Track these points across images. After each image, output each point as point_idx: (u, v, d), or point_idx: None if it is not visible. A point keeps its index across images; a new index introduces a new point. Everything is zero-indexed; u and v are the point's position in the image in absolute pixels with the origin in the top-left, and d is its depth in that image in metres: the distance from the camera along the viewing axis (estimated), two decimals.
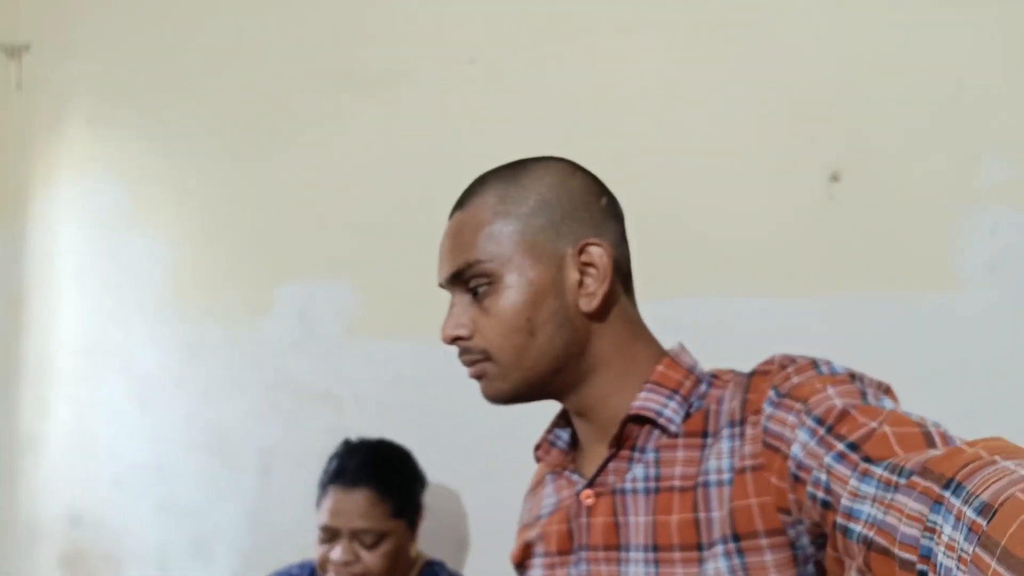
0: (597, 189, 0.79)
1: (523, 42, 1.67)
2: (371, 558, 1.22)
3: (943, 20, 1.31)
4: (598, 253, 0.74)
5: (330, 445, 1.53)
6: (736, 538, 0.65)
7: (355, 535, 1.23)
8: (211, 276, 1.96)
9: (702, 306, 1.49)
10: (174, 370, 1.98)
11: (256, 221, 1.92)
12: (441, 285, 0.79)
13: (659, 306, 1.49)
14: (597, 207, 0.77)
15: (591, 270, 0.74)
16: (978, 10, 1.29)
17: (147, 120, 2.08)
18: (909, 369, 1.29)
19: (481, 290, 0.74)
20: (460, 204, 0.79)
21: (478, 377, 0.77)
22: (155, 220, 2.04)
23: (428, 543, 1.54)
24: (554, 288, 0.74)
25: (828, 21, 1.41)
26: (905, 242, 1.29)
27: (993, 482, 0.41)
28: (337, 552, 1.22)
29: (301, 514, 1.71)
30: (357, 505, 1.24)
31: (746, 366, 1.43)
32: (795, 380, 0.66)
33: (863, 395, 0.62)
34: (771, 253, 1.46)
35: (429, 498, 1.53)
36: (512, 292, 0.73)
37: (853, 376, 0.66)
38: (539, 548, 0.80)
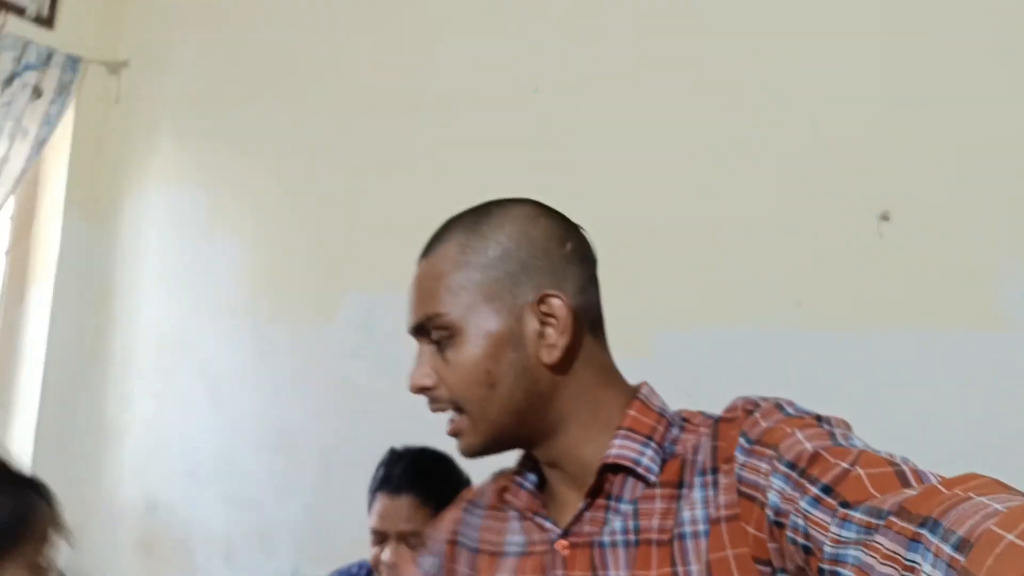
0: (561, 234, 0.76)
1: (584, 74, 1.72)
2: None
3: (996, 61, 1.30)
4: (558, 304, 0.72)
5: (386, 446, 1.61)
6: None
7: (402, 537, 1.28)
8: (282, 281, 2.07)
9: (754, 338, 1.51)
10: (245, 369, 2.09)
11: (326, 231, 2.02)
12: (409, 333, 0.78)
13: (713, 334, 1.54)
14: (559, 254, 0.75)
15: (551, 320, 0.72)
16: None
17: (230, 133, 2.21)
18: (954, 407, 1.29)
19: (443, 342, 0.73)
20: (425, 251, 0.78)
21: (455, 434, 0.76)
22: (233, 226, 2.17)
23: None
24: (512, 340, 0.72)
25: (881, 60, 1.41)
26: (953, 282, 1.28)
27: (968, 517, 0.42)
28: (386, 554, 1.28)
29: (358, 511, 1.79)
30: (402, 510, 1.29)
31: (796, 400, 1.44)
32: (764, 425, 0.65)
33: (832, 436, 0.61)
34: (821, 289, 1.47)
35: None
36: (471, 345, 0.72)
37: (819, 418, 0.65)
38: None
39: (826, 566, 0.53)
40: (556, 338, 0.71)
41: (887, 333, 1.36)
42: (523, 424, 0.73)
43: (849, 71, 1.44)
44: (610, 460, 0.70)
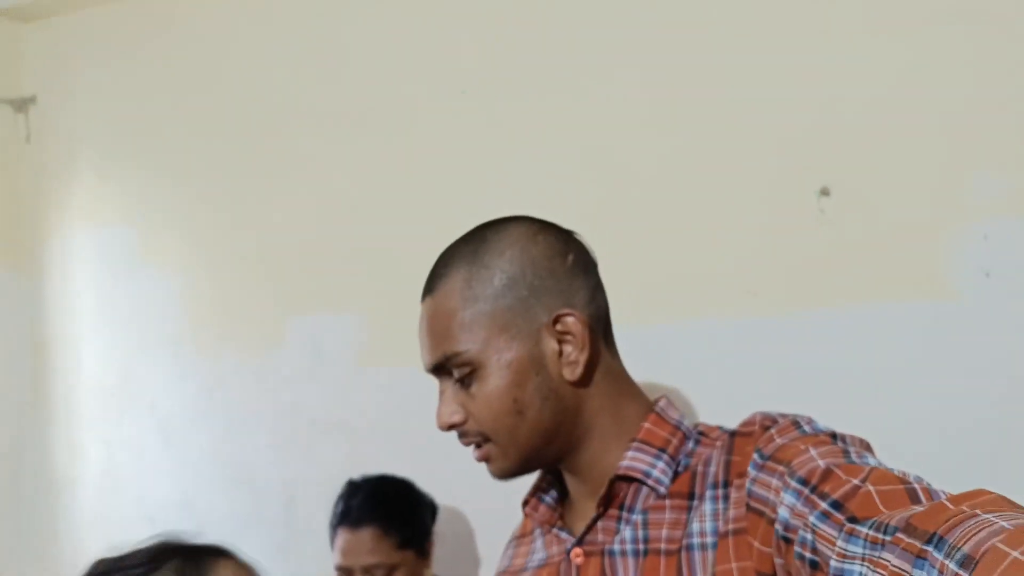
0: (561, 247, 0.78)
1: (512, 74, 1.68)
2: None
3: (931, 38, 1.29)
4: (572, 322, 0.74)
5: (347, 473, 1.56)
6: None
7: (367, 571, 1.26)
8: (223, 310, 2.00)
9: (696, 328, 1.50)
10: (195, 405, 2.02)
11: (264, 255, 1.95)
12: (427, 372, 0.79)
13: (654, 330, 1.52)
14: (563, 270, 0.76)
15: (568, 338, 0.74)
16: (966, 26, 1.27)
17: (152, 163, 2.12)
18: (908, 378, 1.29)
19: (465, 378, 0.74)
20: (429, 288, 0.79)
21: (484, 460, 0.78)
22: (166, 258, 2.08)
23: (446, 565, 1.56)
24: (533, 364, 0.74)
25: (817, 40, 1.40)
26: (898, 253, 1.28)
27: (974, 534, 0.42)
28: None
29: (326, 543, 1.75)
30: (364, 543, 1.27)
31: (745, 388, 1.43)
32: (778, 441, 0.66)
33: (845, 453, 0.62)
34: (764, 271, 1.46)
35: (443, 521, 1.55)
36: (494, 377, 0.73)
37: (835, 436, 0.66)
38: None
39: None
40: (576, 355, 0.74)
41: (840, 310, 1.35)
42: (552, 443, 0.76)
43: (786, 47, 1.43)
44: (621, 471, 0.74)
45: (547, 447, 0.76)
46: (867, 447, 0.66)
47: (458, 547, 1.73)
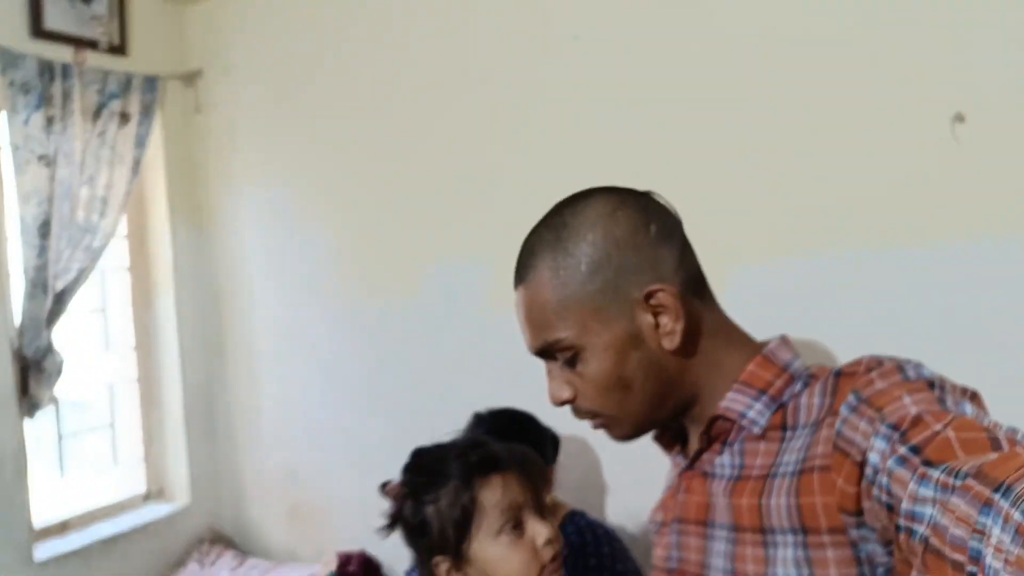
0: (643, 220, 0.77)
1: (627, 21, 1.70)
2: None
3: None
4: (663, 296, 0.74)
5: (479, 404, 1.71)
6: (804, 531, 0.67)
7: None
8: (369, 261, 2.21)
9: (827, 261, 1.50)
10: (350, 346, 2.27)
11: (404, 210, 2.13)
12: (534, 355, 0.82)
13: (783, 262, 1.53)
14: (647, 243, 0.76)
15: (662, 310, 0.75)
16: None
17: (305, 128, 2.33)
18: None
19: (570, 359, 0.77)
20: (520, 277, 0.80)
21: (602, 427, 0.81)
22: (320, 216, 2.31)
23: (572, 494, 1.69)
24: (632, 341, 0.75)
25: None
26: None
27: None
28: None
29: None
30: None
31: (871, 320, 1.41)
32: (877, 385, 0.66)
33: (940, 401, 0.61)
34: (894, 201, 1.42)
35: (570, 454, 1.68)
36: (596, 359, 0.76)
37: (933, 383, 0.64)
38: (656, 516, 0.89)
39: (902, 522, 0.55)
40: (672, 325, 0.75)
41: (970, 242, 1.31)
42: (663, 407, 0.79)
43: None
44: (719, 411, 0.77)
45: (659, 411, 0.79)
46: (970, 396, 0.64)
47: (585, 477, 1.86)
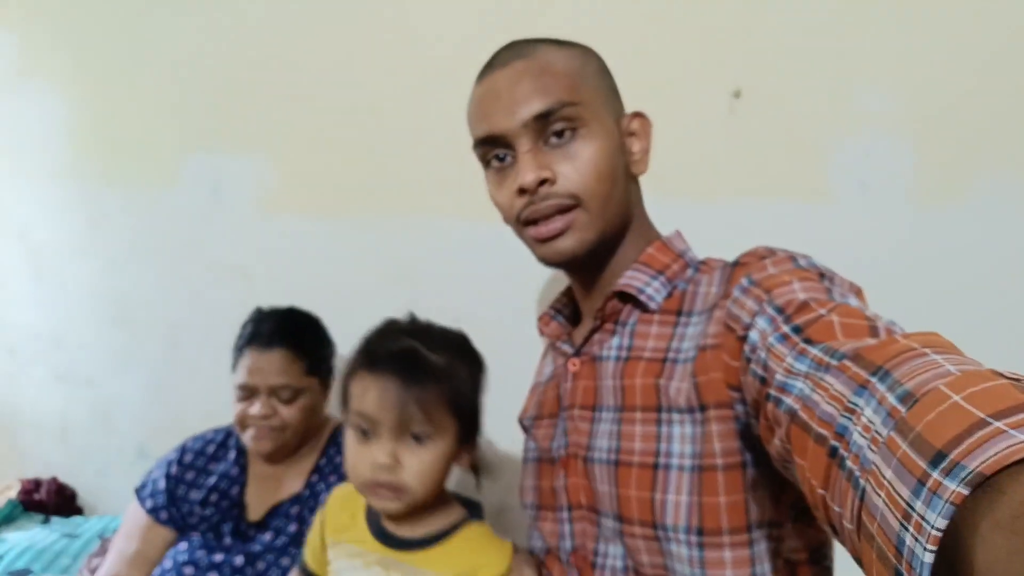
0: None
1: None
2: (288, 412, 1.25)
3: None
4: (644, 122, 0.80)
5: (241, 318, 1.53)
6: (701, 408, 0.68)
7: (273, 391, 1.25)
8: (115, 140, 1.86)
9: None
10: (73, 238, 1.90)
11: (165, 84, 1.82)
12: (504, 131, 0.75)
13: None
14: (614, 86, 0.82)
15: (634, 138, 0.79)
16: None
17: None
18: None
19: (566, 134, 0.73)
20: (518, 55, 0.76)
21: (562, 231, 0.75)
22: (51, 73, 1.90)
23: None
24: (620, 146, 0.78)
25: None
26: (792, 158, 1.36)
27: (920, 373, 0.41)
28: (256, 407, 1.24)
29: (210, 384, 1.72)
30: (273, 363, 1.26)
31: None
32: (770, 271, 0.67)
33: (828, 291, 0.62)
34: (678, 161, 1.52)
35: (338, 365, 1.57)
36: (600, 139, 0.75)
37: (823, 275, 0.66)
38: (534, 412, 0.87)
39: (772, 391, 0.55)
40: (641, 154, 0.79)
41: (739, 202, 1.43)
42: (617, 232, 0.79)
43: None
44: (618, 288, 0.77)
45: (615, 233, 0.79)
46: (856, 292, 0.67)
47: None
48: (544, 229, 0.75)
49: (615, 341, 0.78)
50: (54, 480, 1.86)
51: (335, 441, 1.38)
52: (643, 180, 1.48)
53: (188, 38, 1.79)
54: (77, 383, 1.89)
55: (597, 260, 0.81)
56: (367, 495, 0.84)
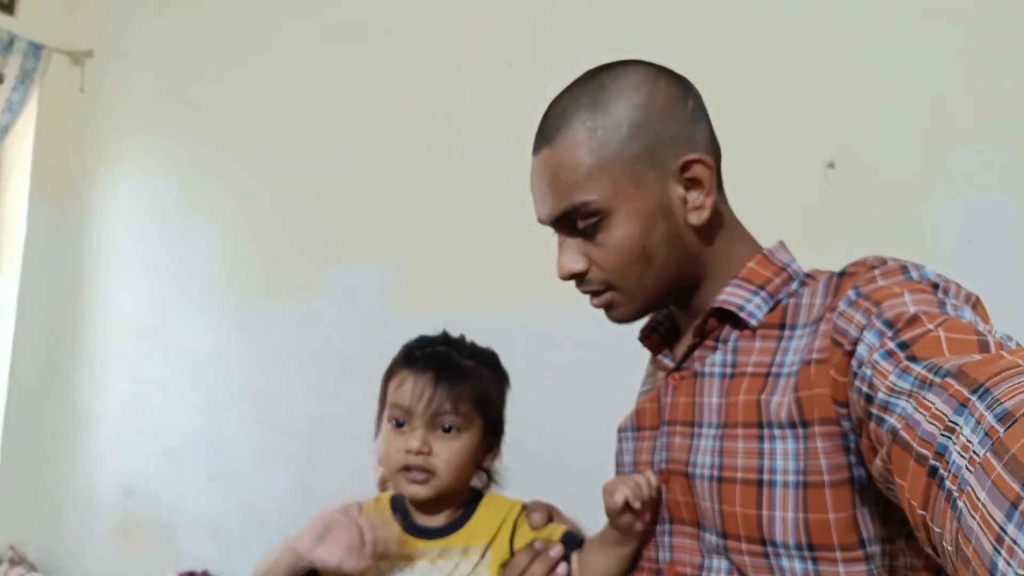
0: (682, 93, 0.76)
1: (557, 44, 1.83)
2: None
3: (923, 31, 1.45)
4: (700, 168, 0.73)
5: (373, 412, 1.67)
6: (804, 424, 0.66)
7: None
8: (261, 260, 2.11)
9: None
10: (225, 347, 2.12)
11: (302, 208, 2.07)
12: (542, 223, 0.78)
13: None
14: (685, 116, 0.74)
15: (694, 185, 0.74)
16: (950, 24, 1.43)
17: (198, 118, 2.24)
18: None
19: (590, 227, 0.74)
20: (545, 138, 0.76)
21: (605, 307, 0.78)
22: (208, 209, 2.20)
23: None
24: (661, 211, 0.73)
25: (822, 27, 1.55)
26: (892, 220, 1.41)
27: (1021, 391, 0.39)
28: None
29: (348, 477, 1.85)
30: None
31: None
32: (880, 283, 0.64)
33: (941, 304, 0.59)
34: (773, 234, 1.59)
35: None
36: (623, 226, 0.73)
37: (936, 285, 0.63)
38: (634, 422, 0.85)
39: (875, 411, 0.54)
40: (702, 200, 0.73)
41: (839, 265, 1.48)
42: (675, 287, 0.77)
43: (797, 31, 1.58)
44: (717, 305, 0.75)
45: (669, 292, 0.77)
46: (973, 303, 0.63)
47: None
48: (594, 303, 0.79)
49: (718, 358, 0.76)
50: (206, 573, 2.00)
51: None
52: None
53: (321, 163, 2.05)
54: (228, 481, 2.06)
55: (675, 299, 0.80)
56: (398, 482, 0.90)
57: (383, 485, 1.37)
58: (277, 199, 2.11)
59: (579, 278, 0.77)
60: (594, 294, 0.78)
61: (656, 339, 0.87)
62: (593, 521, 1.40)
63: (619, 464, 0.87)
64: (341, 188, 2.02)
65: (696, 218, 0.74)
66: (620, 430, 0.89)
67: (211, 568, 2.02)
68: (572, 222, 0.75)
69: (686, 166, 0.73)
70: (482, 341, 1.03)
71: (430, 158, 1.91)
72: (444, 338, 0.99)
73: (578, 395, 1.55)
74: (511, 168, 1.77)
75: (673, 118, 0.74)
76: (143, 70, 2.35)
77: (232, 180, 2.18)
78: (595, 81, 0.75)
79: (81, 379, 2.30)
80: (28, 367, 2.27)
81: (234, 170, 2.18)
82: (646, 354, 0.92)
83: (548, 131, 0.76)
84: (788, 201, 1.58)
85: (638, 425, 0.85)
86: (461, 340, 0.99)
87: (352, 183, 2.01)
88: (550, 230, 0.81)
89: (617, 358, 1.56)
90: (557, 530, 0.90)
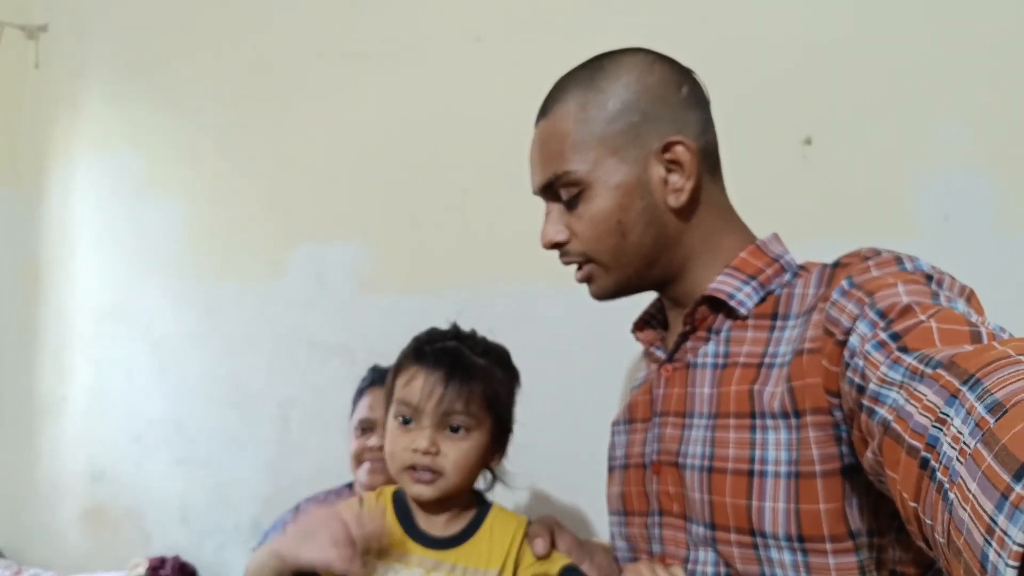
0: (676, 79, 0.78)
1: (526, 18, 1.79)
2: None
3: (901, 3, 1.43)
4: (681, 150, 0.75)
5: (344, 394, 1.64)
6: (797, 414, 0.67)
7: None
8: (227, 238, 2.06)
9: None
10: (192, 329, 2.07)
11: (270, 185, 2.02)
12: (535, 194, 0.82)
13: None
14: (677, 100, 0.77)
15: (675, 166, 0.76)
16: None
17: (160, 91, 2.17)
18: None
19: (572, 199, 0.77)
20: (543, 111, 0.80)
21: (586, 280, 0.81)
22: (170, 185, 2.13)
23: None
24: (640, 189, 0.76)
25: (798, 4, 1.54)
26: (870, 196, 1.40)
27: (1012, 382, 0.40)
28: (373, 439, 1.34)
29: (319, 460, 1.83)
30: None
31: None
32: (873, 273, 0.65)
33: (934, 295, 0.59)
34: (752, 211, 1.58)
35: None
36: (601, 198, 0.76)
37: (930, 276, 0.63)
38: (626, 415, 0.86)
39: (866, 402, 0.54)
40: (682, 183, 0.75)
41: (813, 244, 1.47)
42: (651, 268, 0.79)
43: (771, 7, 1.56)
44: (708, 293, 0.77)
45: (646, 271, 0.79)
46: (967, 295, 0.64)
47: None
48: (577, 276, 0.82)
49: (710, 348, 0.77)
50: (176, 558, 1.97)
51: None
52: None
53: (288, 139, 1.99)
54: (196, 465, 2.02)
55: (658, 283, 0.82)
56: (404, 480, 0.90)
57: (368, 485, 1.36)
58: (241, 175, 2.05)
59: (560, 249, 0.80)
60: (577, 267, 0.81)
61: (649, 332, 0.87)
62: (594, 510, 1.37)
63: (611, 458, 0.89)
64: (309, 165, 1.97)
65: (675, 200, 0.76)
66: (613, 424, 0.90)
67: (181, 553, 1.99)
68: (556, 192, 0.78)
69: (667, 147, 0.75)
70: (462, 323, 1.02)
71: (401, 134, 1.86)
72: (455, 332, 0.97)
73: (557, 377, 1.53)
74: (483, 144, 1.74)
75: (662, 100, 0.76)
76: (100, 44, 2.27)
77: (195, 155, 2.12)
78: (596, 63, 0.79)
79: (43, 364, 2.25)
80: None
81: (197, 145, 2.11)
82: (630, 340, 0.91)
83: (546, 104, 0.80)
84: (764, 179, 1.56)
85: (630, 418, 0.85)
86: (472, 335, 0.98)
87: (320, 159, 1.96)
88: (525, 208, 0.84)
89: (598, 338, 1.55)
90: (556, 563, 0.89)
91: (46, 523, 2.21)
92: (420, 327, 1.77)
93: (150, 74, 2.19)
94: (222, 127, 2.08)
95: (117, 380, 2.15)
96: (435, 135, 1.80)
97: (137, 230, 2.16)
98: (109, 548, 2.10)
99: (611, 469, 0.88)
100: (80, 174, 2.25)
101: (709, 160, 0.80)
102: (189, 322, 2.08)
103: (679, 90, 0.78)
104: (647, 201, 0.76)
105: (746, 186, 1.58)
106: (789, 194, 1.52)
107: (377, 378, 1.43)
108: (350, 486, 1.47)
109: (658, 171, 0.76)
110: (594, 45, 1.65)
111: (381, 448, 1.32)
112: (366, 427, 1.37)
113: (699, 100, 0.80)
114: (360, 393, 1.43)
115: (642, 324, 0.89)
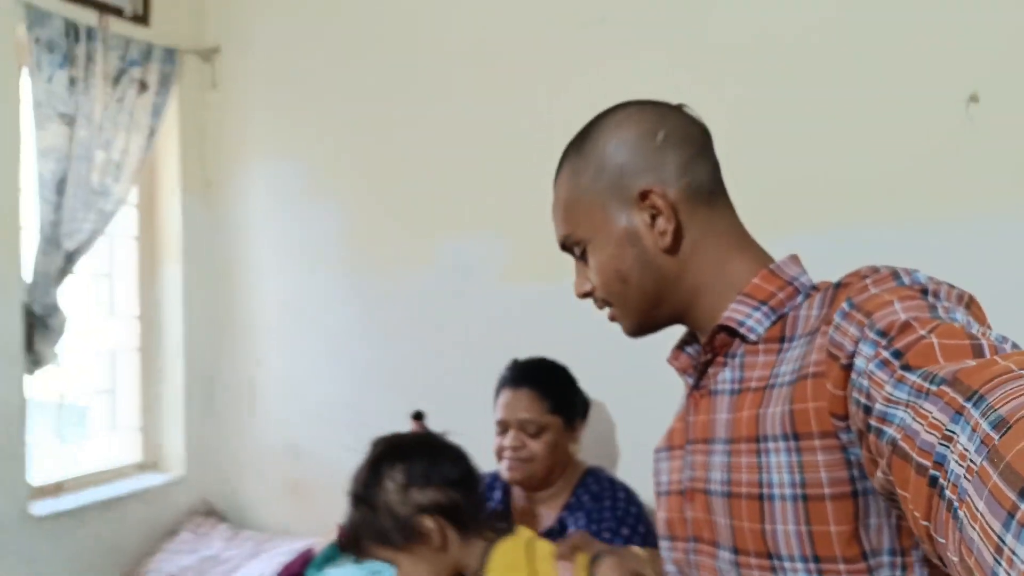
0: (650, 128, 0.82)
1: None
2: (535, 445, 1.46)
3: None
4: (654, 196, 0.79)
5: (486, 375, 1.73)
6: (796, 437, 0.68)
7: (521, 426, 1.45)
8: (379, 235, 2.23)
9: (838, 239, 1.52)
10: (357, 320, 2.27)
11: (414, 184, 2.15)
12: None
13: (798, 239, 1.56)
14: (651, 149, 0.81)
15: (657, 211, 0.80)
16: None
17: (318, 106, 2.36)
18: None
19: (582, 254, 0.86)
20: (554, 178, 0.89)
21: (613, 320, 0.89)
22: (329, 190, 2.33)
23: (589, 455, 1.71)
24: (629, 238, 0.81)
25: None
26: None
27: (1015, 397, 0.40)
28: (508, 439, 1.44)
29: (469, 431, 1.94)
30: (521, 401, 1.47)
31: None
32: (871, 292, 0.66)
33: (932, 308, 0.60)
34: (909, 181, 1.45)
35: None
36: (599, 251, 0.83)
37: (926, 290, 0.64)
38: (666, 443, 0.90)
39: (873, 422, 0.55)
40: (664, 225, 0.80)
41: (980, 220, 1.34)
42: (660, 306, 0.84)
43: None
44: (722, 321, 0.80)
45: (656, 310, 0.85)
46: (966, 303, 0.64)
47: (601, 441, 1.88)
48: (608, 318, 0.89)
49: (727, 374, 0.80)
50: None
51: (584, 482, 1.52)
52: (870, 198, 1.45)
53: (426, 144, 2.10)
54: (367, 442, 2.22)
55: (676, 316, 0.86)
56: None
57: (508, 480, 1.46)
58: (389, 176, 2.20)
59: (590, 297, 0.88)
60: (606, 307, 0.88)
61: (685, 359, 0.90)
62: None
63: (657, 484, 0.92)
64: (448, 163, 2.07)
65: (661, 242, 0.81)
66: (655, 451, 0.94)
67: None
68: (571, 250, 0.87)
69: (644, 195, 0.80)
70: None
71: (531, 127, 1.91)
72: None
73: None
74: None
75: (638, 151, 0.82)
76: (265, 62, 2.48)
77: (350, 160, 2.29)
78: (586, 128, 0.87)
79: (242, 354, 2.54)
80: (198, 346, 2.55)
81: (352, 151, 2.29)
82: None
83: (555, 175, 0.89)
84: (923, 143, 1.44)
85: (670, 445, 0.89)
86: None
87: (460, 158, 2.06)
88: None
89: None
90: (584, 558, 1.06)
91: (257, 492, 2.52)
92: (559, 313, 1.85)
93: (309, 89, 2.38)
94: (371, 134, 2.24)
95: (301, 368, 2.40)
96: (566, 125, 1.81)
97: (304, 231, 2.38)
98: (311, 516, 2.38)
99: (657, 495, 0.91)
100: (255, 183, 2.50)
101: (699, 195, 0.82)
102: (354, 313, 2.27)
103: (653, 138, 0.82)
104: (638, 248, 0.81)
105: (902, 152, 1.47)
106: (950, 159, 1.39)
107: (509, 377, 1.52)
108: (496, 476, 1.58)
109: (643, 218, 0.81)
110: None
111: (515, 448, 1.43)
112: (501, 429, 1.47)
113: (680, 141, 0.82)
114: (497, 392, 1.55)
115: (677, 352, 0.91)
